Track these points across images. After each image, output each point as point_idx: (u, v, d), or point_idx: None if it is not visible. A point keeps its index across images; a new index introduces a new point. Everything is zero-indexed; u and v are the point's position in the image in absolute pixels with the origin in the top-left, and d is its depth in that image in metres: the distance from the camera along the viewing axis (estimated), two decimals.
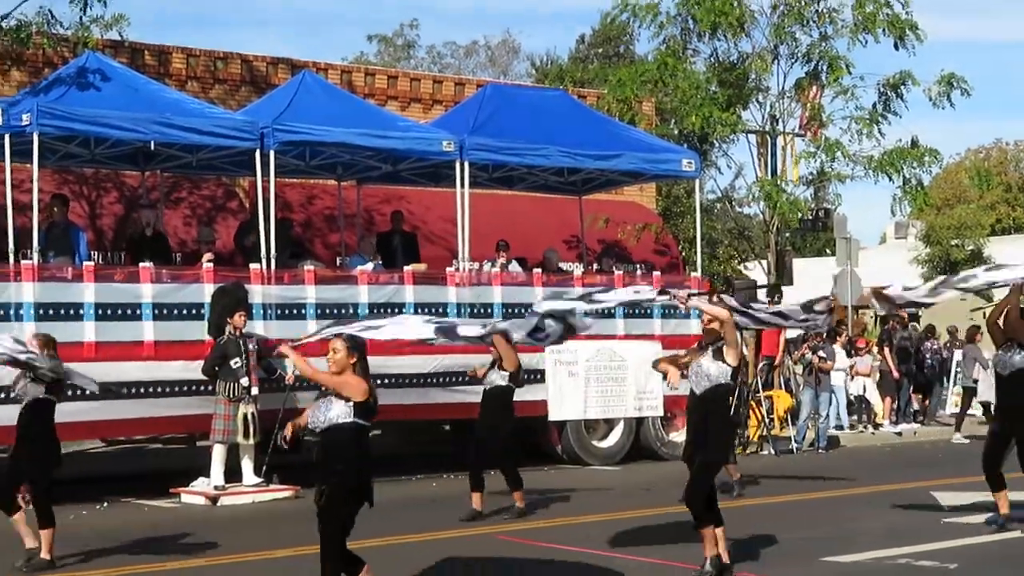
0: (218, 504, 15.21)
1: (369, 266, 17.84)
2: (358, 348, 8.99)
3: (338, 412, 8.75)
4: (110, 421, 15.24)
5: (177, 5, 77.18)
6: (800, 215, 26.51)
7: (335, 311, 16.48)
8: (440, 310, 17.46)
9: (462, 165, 18.04)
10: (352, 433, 8.75)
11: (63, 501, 14.74)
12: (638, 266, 22.20)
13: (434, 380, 17.31)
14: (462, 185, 18.03)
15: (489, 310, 17.86)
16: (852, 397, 24.33)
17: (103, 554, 11.81)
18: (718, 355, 10.47)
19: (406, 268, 17.82)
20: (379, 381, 16.03)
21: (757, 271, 28.29)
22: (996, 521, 12.85)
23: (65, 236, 16.54)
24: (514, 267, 19.61)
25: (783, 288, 23.31)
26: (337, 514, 8.76)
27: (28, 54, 21.37)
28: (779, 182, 25.97)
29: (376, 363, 15.97)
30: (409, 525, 13.15)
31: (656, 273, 20.29)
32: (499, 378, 14.10)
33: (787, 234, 30.00)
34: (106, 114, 15.68)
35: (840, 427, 23.52)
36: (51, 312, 14.77)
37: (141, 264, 15.63)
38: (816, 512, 14.55)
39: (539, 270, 19.06)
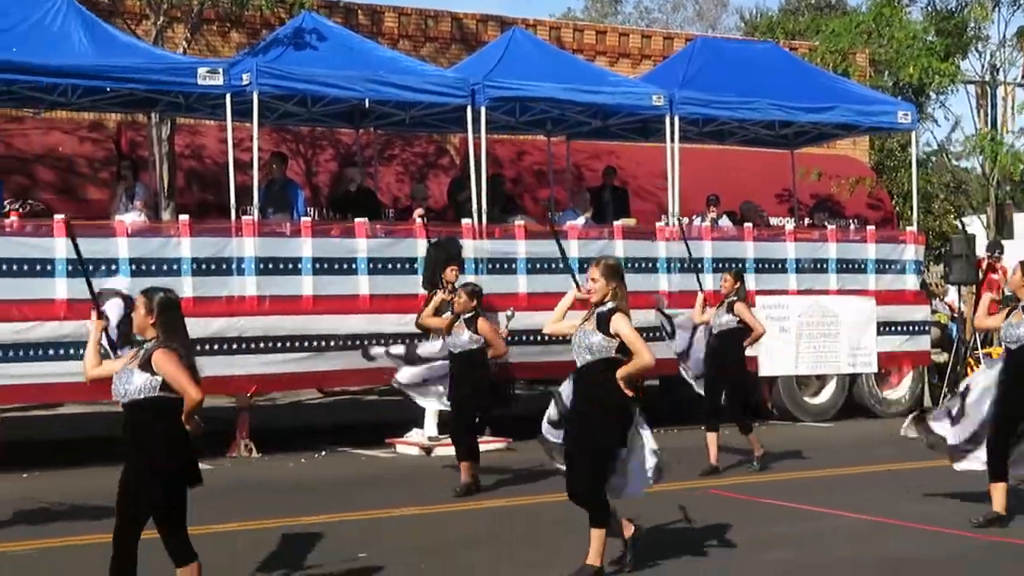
0: (432, 455, 15.47)
1: (580, 221, 17.88)
2: None
3: (139, 385, 7.31)
4: (328, 372, 15.61)
5: None
6: (1022, 167, 25.64)
7: (545, 265, 16.56)
8: (650, 264, 17.41)
9: (672, 120, 17.93)
10: (155, 410, 7.29)
11: (283, 449, 15.32)
12: (851, 221, 21.78)
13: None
14: (672, 140, 17.92)
15: (700, 264, 17.71)
16: None
17: (321, 502, 12.14)
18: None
19: (616, 223, 17.80)
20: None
21: (975, 225, 27.50)
22: None
23: (284, 193, 17.00)
24: (724, 222, 19.43)
25: (1003, 243, 22.60)
26: (140, 499, 7.30)
27: (246, 16, 21.96)
28: (1000, 134, 25.16)
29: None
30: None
31: (870, 228, 19.87)
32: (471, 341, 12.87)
33: (1007, 187, 29.07)
34: (322, 73, 16.00)
35: None
36: (271, 266, 15.18)
37: (357, 220, 15.93)
38: None
39: (749, 224, 18.85)
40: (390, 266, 15.96)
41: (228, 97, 15.29)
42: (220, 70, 15.22)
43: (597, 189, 19.93)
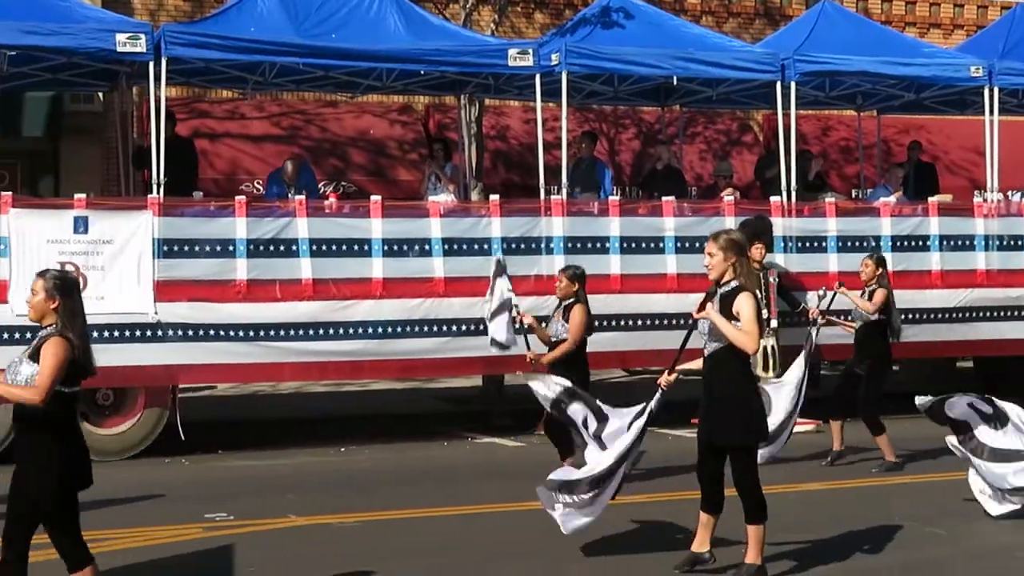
0: None
1: (892, 199, 17.35)
2: None
3: (27, 376, 6.71)
4: (636, 351, 15.57)
5: None
6: None
7: (856, 244, 16.13)
8: (967, 242, 16.77)
9: (991, 91, 17.19)
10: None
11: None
12: None
13: (960, 315, 16.64)
14: (991, 112, 17.19)
15: (1019, 242, 16.97)
16: None
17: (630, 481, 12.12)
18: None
19: (930, 199, 17.19)
20: (904, 316, 15.87)
21: None
22: None
23: (591, 172, 17.06)
24: None
25: None
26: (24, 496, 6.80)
27: None
28: None
29: (903, 297, 15.90)
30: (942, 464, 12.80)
31: None
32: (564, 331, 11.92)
33: None
34: (630, 51, 15.92)
35: None
36: (578, 246, 15.23)
37: (664, 198, 15.83)
38: None
39: None
40: (698, 245, 15.78)
41: (538, 77, 15.39)
42: (530, 51, 15.34)
43: (900, 165, 19.32)
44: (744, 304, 8.13)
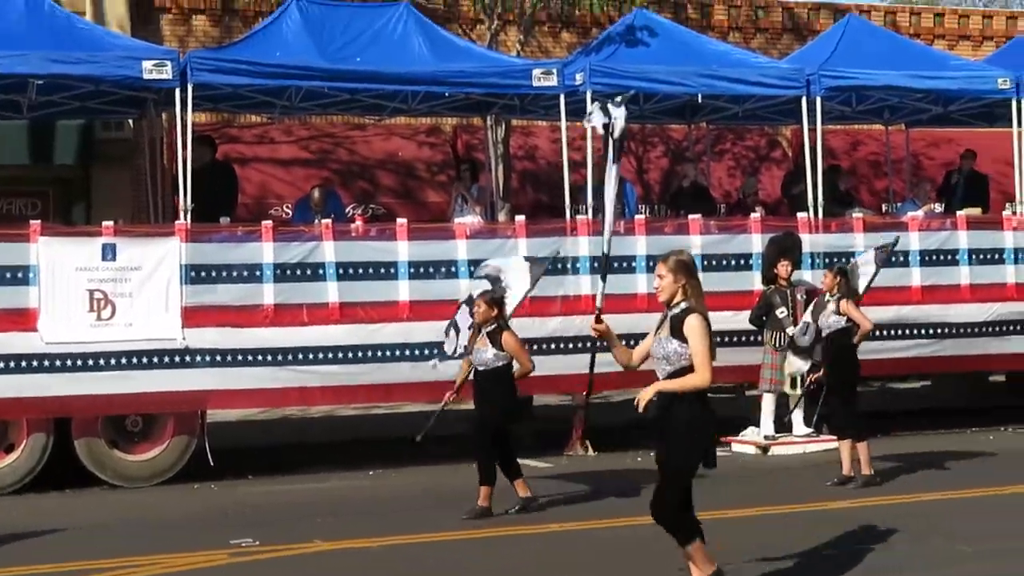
0: (768, 454, 15.25)
1: (920, 213, 17.26)
2: None
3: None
4: None
5: None
6: None
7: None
8: (997, 256, 16.66)
9: (1019, 103, 17.10)
10: None
11: (619, 447, 15.34)
12: None
13: (990, 329, 16.53)
14: (1019, 124, 17.10)
15: None
16: None
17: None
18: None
19: (959, 213, 17.11)
20: (932, 331, 15.81)
21: None
22: None
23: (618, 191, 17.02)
24: None
25: None
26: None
27: (578, 15, 22.14)
28: None
29: (932, 312, 15.80)
30: (973, 479, 12.72)
31: None
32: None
33: None
34: (654, 69, 15.96)
35: None
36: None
37: (690, 216, 15.81)
38: None
39: None
40: (724, 262, 15.78)
41: (562, 97, 15.42)
42: (554, 71, 15.39)
43: (949, 173, 19.26)
44: (694, 330, 7.83)
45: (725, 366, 15.54)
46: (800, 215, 16.17)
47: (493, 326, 11.52)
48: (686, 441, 7.94)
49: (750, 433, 15.65)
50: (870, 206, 19.42)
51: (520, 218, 15.32)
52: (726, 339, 15.55)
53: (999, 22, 26.01)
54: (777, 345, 15.33)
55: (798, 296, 15.44)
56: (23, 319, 13.22)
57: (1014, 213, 17.13)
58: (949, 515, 11.28)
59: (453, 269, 14.67)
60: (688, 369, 7.83)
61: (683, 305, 7.91)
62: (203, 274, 13.85)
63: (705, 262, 15.57)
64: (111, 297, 13.41)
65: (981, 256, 16.60)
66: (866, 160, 22.12)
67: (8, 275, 13.28)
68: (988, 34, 25.40)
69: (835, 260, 16.01)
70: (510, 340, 11.52)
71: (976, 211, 17.72)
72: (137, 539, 10.79)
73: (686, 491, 8.08)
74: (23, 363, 13.15)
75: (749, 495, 12.32)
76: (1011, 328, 16.49)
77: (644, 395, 7.85)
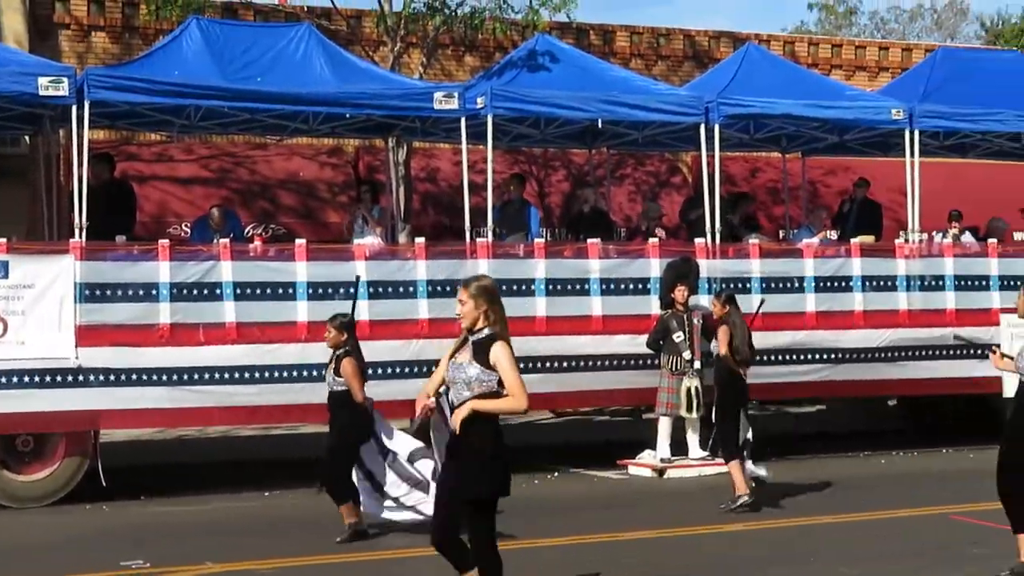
0: (664, 476, 15.36)
1: (815, 240, 17.53)
2: None
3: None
4: (561, 393, 15.62)
5: None
6: None
7: (780, 285, 16.30)
8: (888, 283, 16.96)
9: (912, 134, 17.45)
10: None
11: (515, 470, 15.35)
12: None
13: (882, 355, 16.82)
14: (912, 154, 17.44)
15: (940, 282, 17.18)
16: None
17: (555, 523, 12.15)
18: None
19: (853, 240, 17.40)
20: (826, 356, 16.05)
21: None
22: None
23: (520, 214, 17.14)
24: (967, 238, 18.80)
25: None
26: None
27: (481, 39, 22.22)
28: None
29: (827, 337, 16.04)
30: (863, 502, 12.90)
31: None
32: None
33: None
34: (556, 94, 16.06)
35: None
36: (504, 288, 15.05)
37: (590, 240, 15.93)
38: None
39: (994, 240, 18.17)
40: (623, 286, 15.90)
41: (463, 120, 15.47)
42: (455, 94, 15.43)
43: (843, 201, 19.57)
44: (501, 356, 7.65)
45: (622, 389, 15.81)
46: (698, 240, 16.34)
47: (341, 351, 11.61)
48: (488, 467, 7.78)
49: (646, 456, 15.75)
50: (768, 232, 19.67)
51: (420, 240, 15.34)
52: (624, 362, 15.74)
53: (895, 54, 26.55)
54: (674, 369, 15.45)
55: (695, 321, 15.58)
56: None
57: (907, 241, 17.43)
58: (837, 538, 11.45)
59: (351, 291, 14.61)
60: (492, 395, 7.65)
61: (486, 331, 7.74)
62: (98, 292, 13.68)
63: (604, 286, 15.73)
64: (3, 315, 13.21)
65: (874, 283, 16.87)
66: (764, 187, 22.43)
67: None
68: (884, 65, 25.91)
69: (731, 285, 16.25)
70: (347, 367, 11.51)
71: (869, 239, 18.03)
72: (25, 561, 10.62)
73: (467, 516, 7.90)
74: None
75: (644, 518, 12.41)
76: (904, 354, 16.77)
77: (459, 415, 7.69)
